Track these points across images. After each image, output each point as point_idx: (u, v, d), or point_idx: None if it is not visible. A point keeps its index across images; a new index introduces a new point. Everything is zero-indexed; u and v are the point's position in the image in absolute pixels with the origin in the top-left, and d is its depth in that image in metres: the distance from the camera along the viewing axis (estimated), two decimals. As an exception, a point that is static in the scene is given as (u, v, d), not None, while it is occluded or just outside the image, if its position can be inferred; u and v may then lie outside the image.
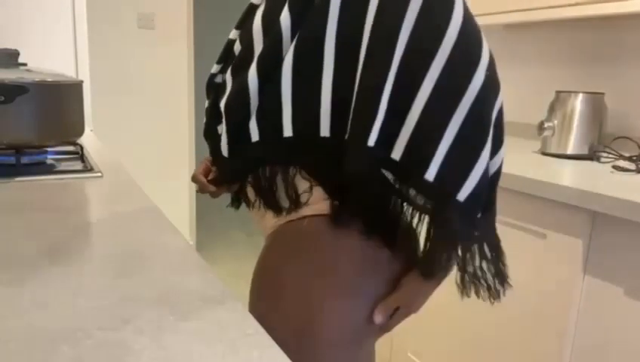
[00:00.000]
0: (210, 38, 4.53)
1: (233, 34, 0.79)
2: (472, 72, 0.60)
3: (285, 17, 0.65)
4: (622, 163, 1.43)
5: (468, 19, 0.61)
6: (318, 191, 0.70)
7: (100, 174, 1.02)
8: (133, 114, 2.91)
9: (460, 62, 0.60)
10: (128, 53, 2.84)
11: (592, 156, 1.51)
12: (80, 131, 1.10)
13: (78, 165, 1.09)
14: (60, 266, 0.56)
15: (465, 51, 0.60)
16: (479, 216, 0.65)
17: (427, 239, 0.67)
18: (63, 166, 1.09)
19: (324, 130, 0.64)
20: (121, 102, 2.88)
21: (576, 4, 1.43)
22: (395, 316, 0.74)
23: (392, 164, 0.62)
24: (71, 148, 1.20)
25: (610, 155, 1.49)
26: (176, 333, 0.43)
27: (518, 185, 1.22)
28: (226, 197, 0.90)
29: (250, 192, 0.76)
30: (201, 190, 0.85)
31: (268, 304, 0.73)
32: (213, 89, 0.81)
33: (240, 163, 0.72)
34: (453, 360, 1.50)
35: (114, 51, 2.81)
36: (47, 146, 1.11)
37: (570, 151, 1.53)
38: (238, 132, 0.70)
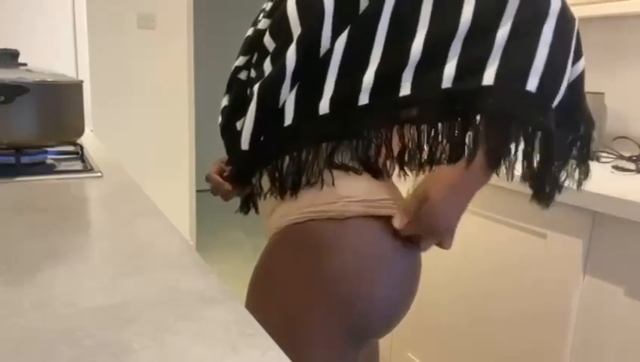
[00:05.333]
0: (210, 38, 4.53)
1: (263, 23, 0.77)
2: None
3: (329, 2, 0.66)
4: (622, 163, 1.43)
5: None
6: (328, 192, 0.71)
7: (99, 174, 1.02)
8: (133, 114, 2.91)
9: None
10: (128, 53, 2.84)
11: (592, 156, 1.51)
12: (80, 131, 1.10)
13: (78, 165, 1.09)
14: (59, 266, 0.56)
15: None
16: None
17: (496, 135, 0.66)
18: (63, 166, 1.09)
19: (363, 99, 0.66)
20: (121, 102, 2.88)
21: (577, 4, 1.43)
22: (423, 234, 0.72)
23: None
24: (71, 148, 1.20)
25: (610, 155, 1.49)
26: (176, 333, 0.43)
27: (518, 185, 1.21)
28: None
29: (265, 184, 0.76)
30: (214, 190, 0.84)
31: (262, 302, 0.73)
32: (236, 84, 0.80)
33: (266, 150, 0.72)
34: (453, 360, 1.50)
35: (114, 51, 2.81)
36: (47, 146, 1.11)
37: (570, 151, 1.53)
38: (267, 119, 0.71)
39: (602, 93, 1.52)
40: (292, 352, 0.68)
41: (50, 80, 1.01)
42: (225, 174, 0.84)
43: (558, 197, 1.13)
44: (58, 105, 1.03)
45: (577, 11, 1.42)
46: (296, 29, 0.69)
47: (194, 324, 0.44)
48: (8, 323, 0.43)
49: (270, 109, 0.70)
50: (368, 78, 0.66)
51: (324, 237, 0.70)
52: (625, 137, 1.57)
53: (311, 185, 0.71)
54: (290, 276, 0.72)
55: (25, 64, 1.14)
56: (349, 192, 0.71)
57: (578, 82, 0.72)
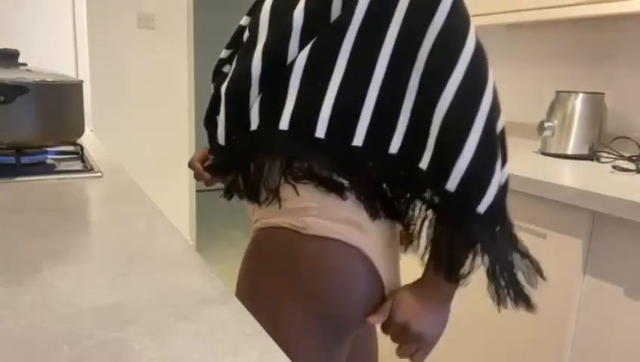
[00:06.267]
0: (210, 38, 4.53)
1: (244, 20, 0.80)
2: (483, 89, 0.63)
3: (299, 15, 0.66)
4: (622, 163, 1.43)
5: (478, 42, 0.64)
6: (295, 200, 0.72)
7: (99, 174, 1.02)
8: (133, 114, 2.91)
9: (473, 83, 0.62)
10: (128, 53, 2.84)
11: (592, 156, 1.51)
12: (80, 131, 1.10)
13: (78, 165, 1.09)
14: (59, 266, 0.56)
15: (477, 73, 0.63)
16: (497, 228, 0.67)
17: (443, 243, 0.68)
18: (63, 166, 1.09)
19: (320, 132, 0.65)
20: (121, 102, 2.88)
21: (576, 4, 1.43)
22: (404, 345, 0.75)
23: (418, 172, 0.65)
24: (71, 148, 1.20)
25: (610, 155, 1.49)
26: (176, 333, 0.43)
27: (518, 185, 1.21)
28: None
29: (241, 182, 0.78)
30: (196, 177, 0.88)
31: (246, 304, 0.75)
32: (220, 77, 0.82)
33: (235, 151, 0.74)
34: (453, 360, 1.50)
35: (114, 51, 2.81)
36: (47, 146, 1.11)
37: (570, 151, 1.53)
38: (236, 120, 0.71)
39: (602, 93, 1.52)
40: None
41: (50, 80, 1.01)
42: (206, 163, 0.86)
43: (559, 198, 1.13)
44: (58, 105, 1.03)
45: (578, 11, 1.43)
46: (262, 35, 0.69)
47: (194, 324, 0.44)
48: (8, 323, 0.43)
49: (238, 111, 0.71)
50: (325, 112, 0.65)
51: (285, 245, 0.73)
52: (625, 137, 1.57)
53: (272, 195, 0.72)
54: (261, 278, 0.75)
55: (25, 64, 1.14)
56: (309, 201, 0.71)
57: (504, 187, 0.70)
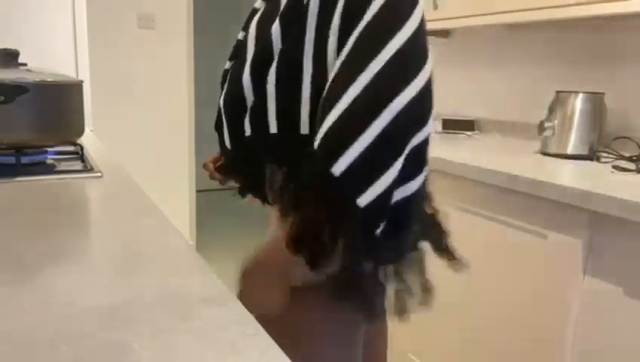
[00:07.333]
0: (210, 38, 4.53)
1: (241, 35, 0.86)
2: (399, 89, 0.61)
3: (276, 27, 0.70)
4: (622, 163, 1.43)
5: (417, 36, 0.63)
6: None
7: (99, 174, 1.02)
8: (133, 114, 2.91)
9: (391, 75, 0.61)
10: (128, 53, 2.84)
11: (592, 156, 1.51)
12: (80, 131, 1.10)
13: (78, 165, 1.09)
14: (59, 266, 0.56)
15: (391, 76, 0.61)
16: (380, 233, 0.64)
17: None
18: (63, 166, 1.09)
19: (304, 128, 0.69)
20: (121, 102, 2.88)
21: (577, 4, 1.43)
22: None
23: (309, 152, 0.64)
24: (71, 148, 1.20)
25: (610, 155, 1.49)
26: (176, 333, 0.43)
27: (518, 185, 1.21)
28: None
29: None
30: (210, 177, 0.96)
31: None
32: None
33: (236, 155, 0.79)
34: (453, 360, 1.50)
35: (114, 51, 2.81)
36: (47, 146, 1.11)
37: (570, 151, 1.53)
38: (235, 127, 0.77)
39: (602, 93, 1.52)
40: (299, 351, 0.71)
41: (50, 80, 1.01)
42: (217, 164, 0.94)
43: (559, 198, 1.13)
44: (58, 105, 1.03)
45: (578, 11, 1.43)
46: (250, 50, 0.75)
47: (194, 324, 0.44)
48: (8, 323, 0.43)
49: (235, 120, 0.76)
50: (305, 105, 0.68)
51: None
52: (625, 137, 1.57)
53: (277, 196, 0.76)
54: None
55: (25, 64, 1.14)
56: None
57: (412, 201, 0.68)
